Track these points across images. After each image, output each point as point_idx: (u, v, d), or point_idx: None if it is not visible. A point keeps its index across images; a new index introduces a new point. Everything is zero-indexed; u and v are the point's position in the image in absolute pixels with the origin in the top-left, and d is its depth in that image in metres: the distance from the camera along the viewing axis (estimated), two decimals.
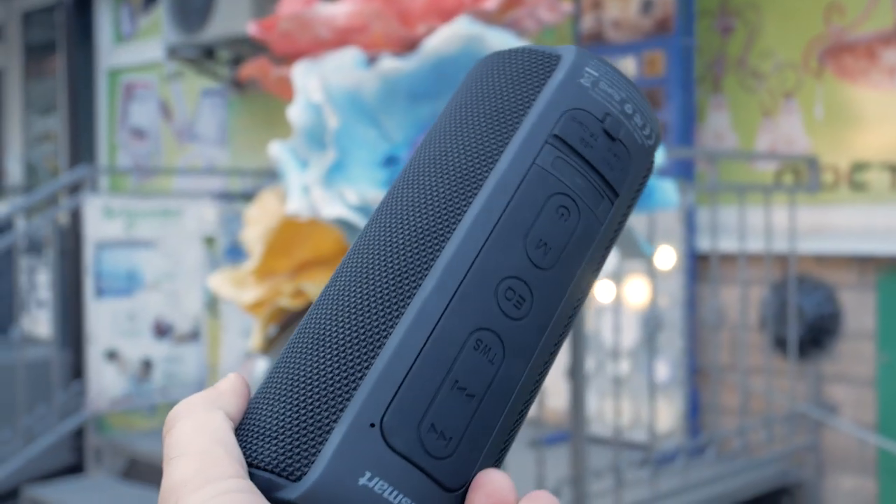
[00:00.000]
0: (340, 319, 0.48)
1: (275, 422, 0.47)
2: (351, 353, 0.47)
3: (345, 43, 2.36)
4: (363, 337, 0.48)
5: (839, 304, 3.86)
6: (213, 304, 4.85)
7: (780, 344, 3.95)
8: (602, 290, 4.11)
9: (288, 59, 2.53)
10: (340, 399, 0.46)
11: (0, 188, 7.64)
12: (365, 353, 0.47)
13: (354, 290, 0.49)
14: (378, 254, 0.50)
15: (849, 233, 3.83)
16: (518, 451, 3.75)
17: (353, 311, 0.48)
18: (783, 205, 3.85)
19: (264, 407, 0.48)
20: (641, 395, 4.02)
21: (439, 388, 0.47)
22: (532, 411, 4.10)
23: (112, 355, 4.43)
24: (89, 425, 4.62)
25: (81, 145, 6.13)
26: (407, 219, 0.51)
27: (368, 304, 0.48)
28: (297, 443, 0.46)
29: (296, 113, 2.19)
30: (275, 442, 0.46)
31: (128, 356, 4.48)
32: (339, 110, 2.10)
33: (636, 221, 3.07)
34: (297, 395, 0.47)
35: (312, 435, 0.46)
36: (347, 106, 2.13)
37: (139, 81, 6.38)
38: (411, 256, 0.49)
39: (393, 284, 0.49)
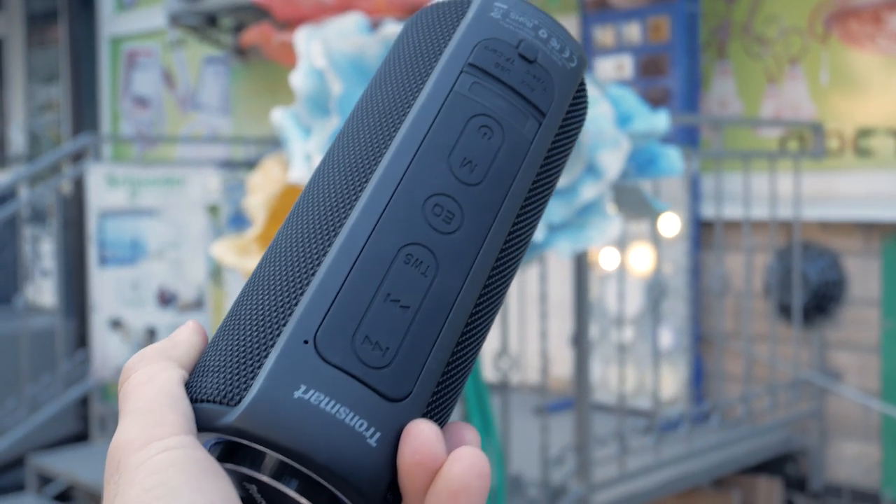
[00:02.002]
0: (278, 258, 0.50)
1: (218, 357, 0.48)
2: (286, 284, 0.49)
3: (348, 8, 2.35)
4: (297, 268, 0.49)
5: (844, 271, 3.85)
6: (216, 272, 4.85)
7: (785, 311, 3.94)
8: (606, 258, 4.10)
9: (290, 24, 2.52)
10: (276, 325, 0.47)
11: (3, 157, 7.63)
12: (299, 281, 0.49)
13: (291, 231, 0.51)
14: (314, 195, 0.52)
15: (854, 199, 3.82)
16: (522, 419, 3.76)
17: (289, 247, 0.50)
18: (788, 171, 3.84)
19: (212, 347, 0.49)
20: (645, 362, 4.02)
21: (372, 301, 0.48)
22: (536, 378, 4.12)
23: (116, 324, 4.43)
24: (94, 394, 4.63)
25: (84, 114, 6.12)
26: (338, 161, 0.53)
27: (303, 239, 0.50)
28: (237, 371, 0.47)
29: (299, 79, 2.17)
30: (216, 374, 0.47)
31: (132, 325, 4.48)
32: (342, 76, 2.09)
33: (643, 186, 3.06)
34: (238, 330, 0.49)
35: (250, 361, 0.47)
36: (351, 71, 2.12)
37: (141, 49, 6.36)
38: (342, 190, 0.51)
39: (325, 218, 0.51)
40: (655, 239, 3.54)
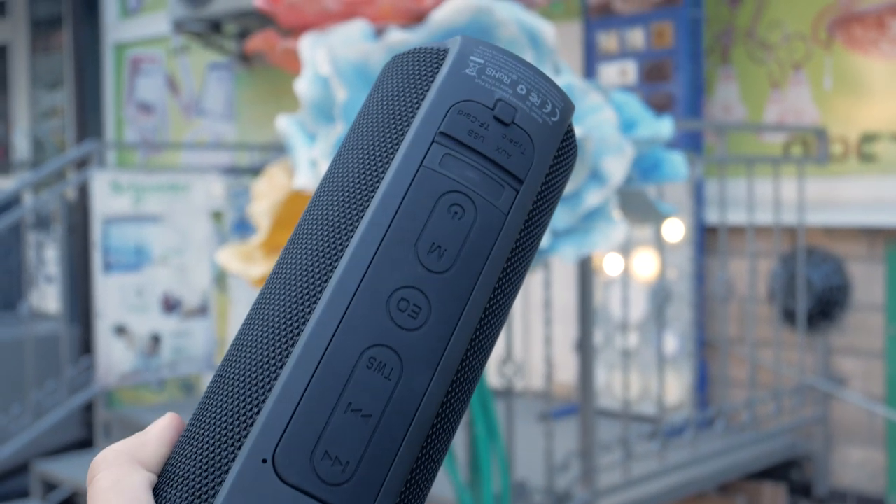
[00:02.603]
0: (241, 356, 0.49)
1: (183, 466, 0.48)
2: (248, 389, 0.48)
3: (352, 15, 2.35)
4: (258, 371, 0.48)
5: (848, 277, 3.85)
6: (221, 278, 4.85)
7: (789, 316, 3.94)
8: (610, 263, 4.10)
9: (295, 31, 2.52)
10: (238, 437, 0.47)
11: (8, 163, 7.64)
12: (260, 388, 0.47)
13: (255, 325, 0.49)
14: (277, 284, 0.50)
15: (858, 204, 3.82)
16: (527, 424, 3.76)
17: (252, 346, 0.49)
18: (792, 177, 3.84)
19: (179, 450, 0.49)
20: (650, 367, 4.02)
21: (332, 413, 0.46)
22: (540, 384, 4.11)
23: (120, 330, 4.44)
24: (98, 400, 4.64)
25: (88, 120, 6.13)
26: (303, 245, 0.51)
27: (265, 338, 0.48)
28: (198, 487, 0.47)
29: (303, 86, 2.18)
30: (180, 488, 0.47)
31: (136, 331, 4.49)
32: (346, 83, 2.09)
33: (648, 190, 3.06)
34: (203, 435, 0.48)
35: (211, 478, 0.46)
36: (355, 78, 2.12)
37: (146, 56, 6.37)
38: (305, 283, 0.49)
39: (287, 314, 0.49)
40: (659, 244, 3.54)
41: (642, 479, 3.31)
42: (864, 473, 3.84)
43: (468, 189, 0.50)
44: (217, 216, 4.80)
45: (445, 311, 0.49)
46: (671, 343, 4.05)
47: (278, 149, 4.75)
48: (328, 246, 0.50)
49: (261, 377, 0.48)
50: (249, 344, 0.49)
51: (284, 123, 2.29)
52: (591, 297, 3.06)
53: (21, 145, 7.57)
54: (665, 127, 2.37)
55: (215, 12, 5.03)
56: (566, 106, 0.54)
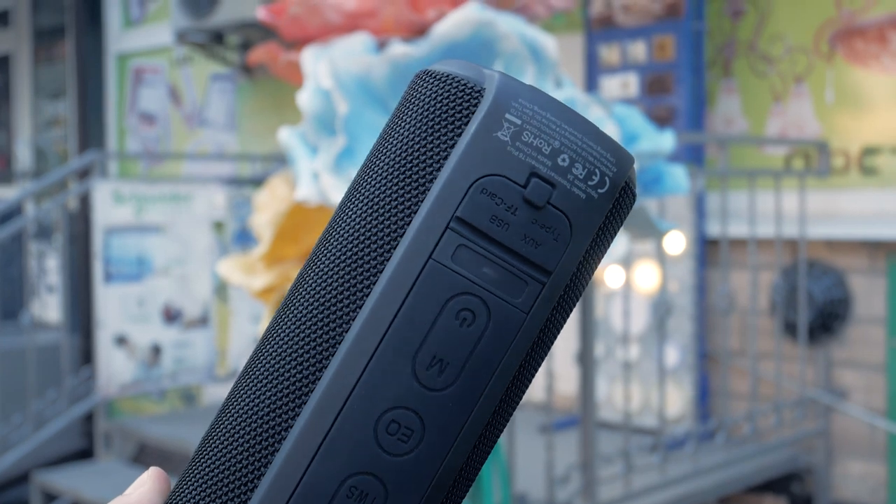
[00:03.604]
0: (211, 465, 0.45)
1: None
2: None
3: (354, 28, 2.35)
4: (232, 492, 0.44)
5: (849, 289, 3.85)
6: (222, 289, 4.85)
7: (790, 329, 3.94)
8: (612, 275, 4.10)
9: (297, 43, 2.52)
10: None
11: (9, 173, 7.65)
12: None
13: (228, 429, 0.45)
14: (261, 378, 0.45)
15: (859, 217, 3.82)
16: (528, 436, 3.76)
17: (226, 457, 0.45)
18: (793, 189, 3.84)
19: None
20: (651, 380, 4.01)
21: None
22: (541, 396, 4.11)
23: (121, 340, 4.44)
24: (99, 410, 4.63)
25: (90, 130, 6.14)
26: (292, 328, 0.45)
27: (241, 450, 0.45)
28: None
29: (305, 98, 2.18)
30: None
31: (137, 341, 4.49)
32: (348, 96, 2.10)
33: (648, 205, 3.07)
34: None
35: None
36: (357, 91, 2.13)
37: (148, 66, 6.38)
38: (287, 389, 0.44)
39: (266, 426, 0.44)
40: (661, 257, 3.54)
41: (643, 492, 3.31)
42: (866, 487, 3.84)
43: (482, 290, 0.43)
44: (219, 227, 4.80)
45: (441, 433, 0.43)
46: (672, 355, 4.05)
47: (280, 160, 4.75)
48: (316, 340, 0.44)
49: (234, 496, 0.44)
50: (222, 449, 0.45)
51: (286, 135, 2.29)
52: (592, 309, 3.06)
53: (23, 155, 7.58)
54: (667, 140, 2.37)
55: (218, 23, 5.04)
56: (619, 170, 0.45)
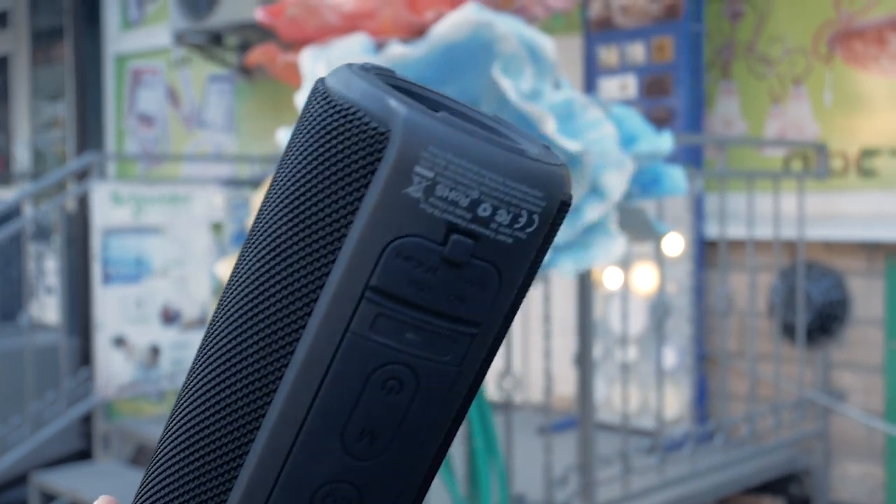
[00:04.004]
0: None
1: None
2: None
3: (353, 29, 2.36)
4: None
5: (848, 291, 3.85)
6: (220, 290, 4.85)
7: (789, 330, 3.94)
8: (610, 277, 4.10)
9: (295, 45, 2.52)
10: None
11: (8, 174, 7.65)
12: None
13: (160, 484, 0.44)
14: (184, 450, 0.43)
15: (858, 219, 3.82)
16: (526, 438, 3.76)
17: None
18: (792, 191, 3.84)
19: None
20: (649, 381, 4.01)
21: None
22: (540, 397, 4.11)
23: (120, 341, 4.44)
24: (98, 411, 4.63)
25: (89, 131, 6.14)
26: (208, 414, 0.43)
27: None
28: None
29: (303, 100, 2.18)
30: None
31: (136, 342, 4.49)
32: None
33: (646, 206, 3.07)
34: None
35: None
36: None
37: (146, 67, 6.38)
38: (212, 466, 0.42)
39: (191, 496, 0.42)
40: (659, 258, 3.54)
41: (641, 494, 3.31)
42: (864, 488, 3.84)
43: (408, 357, 0.40)
44: (217, 228, 4.80)
45: (380, 497, 0.42)
46: (671, 357, 4.05)
47: (278, 161, 4.76)
48: (237, 421, 0.42)
49: None
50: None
51: (284, 136, 2.29)
52: (590, 310, 3.06)
53: (22, 156, 7.58)
54: (665, 142, 2.37)
55: (216, 24, 5.04)
56: (549, 203, 0.40)
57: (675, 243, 4.02)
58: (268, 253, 0.41)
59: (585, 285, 3.03)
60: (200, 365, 0.43)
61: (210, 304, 4.75)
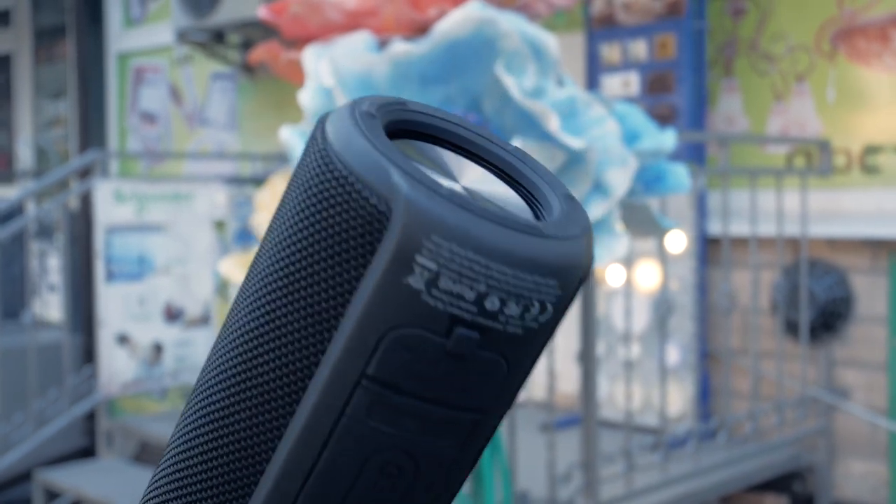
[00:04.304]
0: None
1: None
2: None
3: (356, 26, 2.35)
4: None
5: (851, 288, 3.85)
6: (223, 288, 4.86)
7: (792, 328, 3.94)
8: (613, 274, 4.10)
9: (298, 42, 2.52)
10: None
11: (11, 173, 7.65)
12: None
13: None
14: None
15: (861, 216, 3.82)
16: (529, 435, 3.76)
17: None
18: (795, 188, 3.84)
19: None
20: (652, 379, 4.01)
21: None
22: (542, 395, 4.11)
23: (123, 339, 4.44)
24: (101, 409, 4.64)
25: (92, 130, 6.14)
26: (188, 488, 0.41)
27: None
28: None
29: (306, 97, 2.18)
30: None
31: (139, 340, 4.49)
32: (350, 94, 2.10)
33: (650, 204, 3.07)
34: None
35: None
36: (358, 90, 2.13)
37: (149, 65, 6.38)
38: None
39: None
40: (662, 256, 3.54)
41: (644, 491, 3.31)
42: (867, 486, 3.84)
43: (406, 442, 0.38)
44: (220, 226, 4.81)
45: None
46: (673, 354, 4.05)
47: (281, 159, 4.76)
48: (221, 495, 0.40)
49: None
50: None
51: (287, 134, 2.29)
52: (593, 307, 3.06)
53: (24, 155, 7.58)
54: (668, 139, 2.37)
55: (219, 22, 5.04)
56: (566, 290, 0.38)
57: (679, 240, 4.02)
58: (262, 316, 0.39)
59: (588, 282, 3.03)
60: (189, 425, 0.42)
61: (213, 302, 4.76)
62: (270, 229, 0.40)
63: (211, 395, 0.41)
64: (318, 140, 0.39)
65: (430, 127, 0.42)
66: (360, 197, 0.36)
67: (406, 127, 0.41)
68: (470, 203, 0.36)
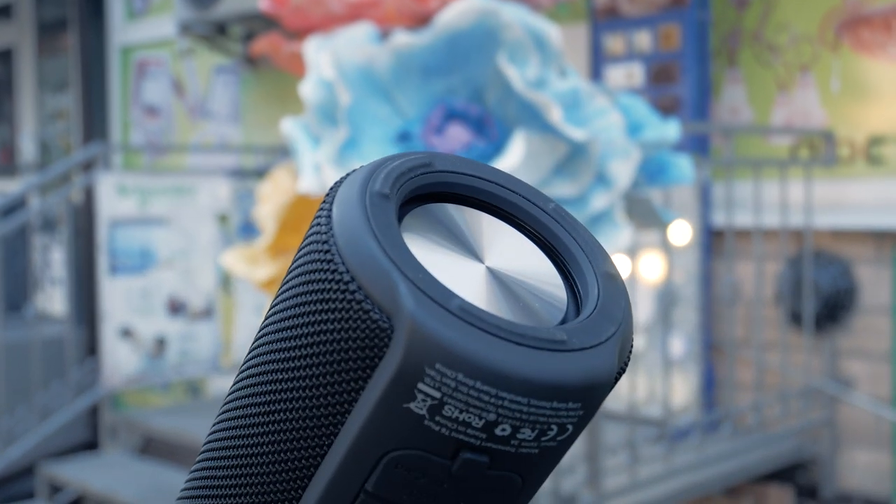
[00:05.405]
0: None
1: None
2: None
3: (357, 18, 2.35)
4: None
5: (855, 279, 3.84)
6: (226, 281, 4.85)
7: (796, 319, 3.93)
8: (617, 265, 4.09)
9: (300, 34, 2.52)
10: None
11: (13, 166, 7.65)
12: None
13: None
14: None
15: (865, 207, 3.81)
16: None
17: None
18: (799, 179, 3.83)
19: None
20: (656, 370, 4.01)
21: None
22: None
23: (126, 333, 4.44)
24: (104, 402, 4.64)
25: (94, 123, 6.14)
26: None
27: None
28: None
29: (308, 89, 2.17)
30: None
31: (142, 333, 4.49)
32: (351, 86, 2.09)
33: (653, 195, 3.06)
34: None
35: None
36: (360, 82, 2.12)
37: (151, 58, 6.37)
38: None
39: None
40: (666, 247, 3.53)
41: (649, 482, 3.30)
42: (871, 476, 3.83)
43: None
44: (223, 219, 4.80)
45: None
46: (678, 346, 4.04)
47: (284, 151, 4.75)
48: None
49: None
50: None
51: (289, 126, 2.28)
52: None
53: (27, 148, 7.58)
54: (671, 129, 2.36)
55: (221, 15, 5.03)
56: (588, 409, 0.35)
57: (684, 232, 4.01)
58: (262, 405, 0.37)
59: None
60: (195, 483, 0.41)
61: (216, 295, 4.76)
62: (273, 306, 0.38)
63: (215, 469, 0.40)
64: (323, 220, 0.36)
65: (460, 187, 0.39)
66: (361, 309, 0.34)
67: (432, 190, 0.39)
68: (482, 320, 0.33)
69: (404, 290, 0.33)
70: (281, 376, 0.36)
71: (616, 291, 0.38)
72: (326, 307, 0.34)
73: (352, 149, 2.15)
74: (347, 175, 0.38)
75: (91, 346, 5.37)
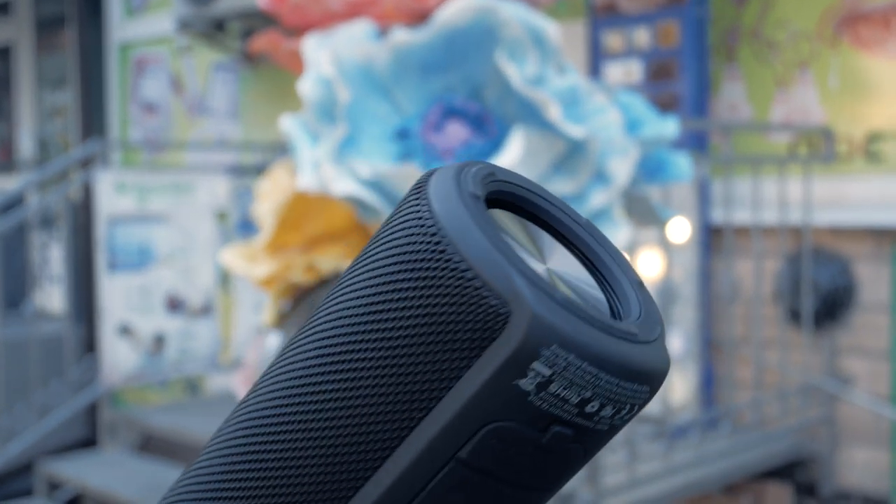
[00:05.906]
0: None
1: None
2: None
3: (356, 15, 2.34)
4: None
5: (854, 277, 3.84)
6: (225, 278, 4.85)
7: (795, 316, 3.93)
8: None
9: (299, 31, 2.51)
10: None
11: (12, 163, 7.65)
12: None
13: None
14: None
15: (864, 204, 3.81)
16: None
17: None
18: (798, 176, 3.83)
19: None
20: None
21: None
22: None
23: (125, 330, 4.44)
24: (103, 400, 4.63)
25: (93, 120, 6.13)
26: None
27: None
28: None
29: (307, 87, 2.17)
30: None
31: (141, 331, 4.49)
32: (350, 84, 2.09)
33: (652, 192, 3.06)
34: None
35: None
36: (359, 79, 2.12)
37: (150, 55, 6.37)
38: None
39: None
40: (665, 244, 3.53)
41: (647, 480, 3.30)
42: (870, 474, 3.83)
43: None
44: (221, 216, 4.80)
45: None
46: (676, 343, 4.04)
47: (282, 149, 4.75)
48: None
49: None
50: None
51: (288, 123, 2.28)
52: None
53: (25, 145, 7.57)
54: (670, 127, 2.36)
55: (220, 12, 5.03)
56: (651, 395, 0.40)
57: (682, 229, 4.01)
58: (345, 381, 0.39)
59: None
60: (238, 464, 0.42)
61: (215, 292, 4.75)
62: (350, 286, 0.40)
63: (278, 447, 0.41)
64: (424, 213, 0.38)
65: (517, 198, 0.42)
66: (478, 295, 0.36)
67: (498, 197, 0.41)
68: (581, 311, 0.37)
69: (519, 282, 0.36)
70: (373, 355, 0.38)
71: (649, 298, 0.42)
72: (439, 293, 0.37)
73: (351, 146, 2.15)
74: (430, 174, 0.40)
75: (90, 344, 5.37)
